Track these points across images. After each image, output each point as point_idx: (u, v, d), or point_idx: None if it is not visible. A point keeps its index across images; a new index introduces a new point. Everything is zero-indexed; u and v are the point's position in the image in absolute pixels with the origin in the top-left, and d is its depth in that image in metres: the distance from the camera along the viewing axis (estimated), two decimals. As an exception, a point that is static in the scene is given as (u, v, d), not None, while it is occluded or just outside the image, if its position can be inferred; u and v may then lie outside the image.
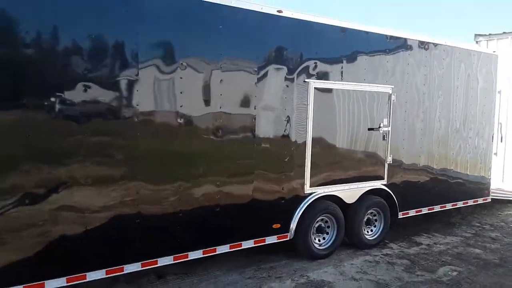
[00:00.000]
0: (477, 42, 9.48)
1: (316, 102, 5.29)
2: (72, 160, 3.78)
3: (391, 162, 6.15)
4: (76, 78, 3.77)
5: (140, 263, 4.25)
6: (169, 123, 4.30)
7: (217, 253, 4.74)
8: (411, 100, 6.33)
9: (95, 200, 3.92)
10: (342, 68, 5.49)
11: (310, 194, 5.39)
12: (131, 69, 4.01)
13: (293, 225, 5.26)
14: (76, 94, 3.77)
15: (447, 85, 6.77)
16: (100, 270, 4.00)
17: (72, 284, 3.92)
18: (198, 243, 4.60)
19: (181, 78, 4.30)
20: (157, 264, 4.37)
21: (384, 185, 6.14)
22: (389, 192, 6.18)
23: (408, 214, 6.53)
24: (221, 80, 4.55)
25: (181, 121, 4.34)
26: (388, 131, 6.07)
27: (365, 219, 6.03)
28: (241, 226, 4.90)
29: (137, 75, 4.04)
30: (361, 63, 5.69)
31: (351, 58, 5.59)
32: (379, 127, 5.96)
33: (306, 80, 5.18)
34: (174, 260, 4.47)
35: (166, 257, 4.41)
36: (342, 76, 5.49)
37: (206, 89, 4.49)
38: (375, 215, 6.18)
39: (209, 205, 4.61)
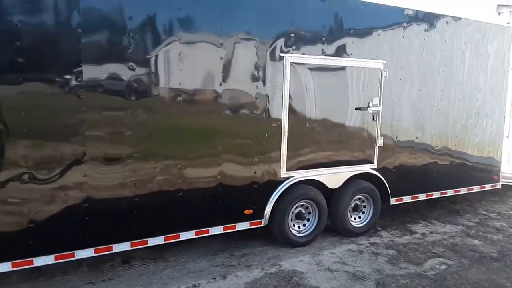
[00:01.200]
0: (499, 13, 8.69)
1: (293, 78, 4.86)
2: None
3: (381, 145, 5.68)
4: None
5: (93, 249, 4.03)
6: (118, 101, 3.99)
7: (180, 239, 4.48)
8: (407, 77, 5.78)
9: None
10: (323, 41, 5.01)
11: (287, 178, 5.02)
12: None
13: (267, 211, 4.93)
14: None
15: (450, 61, 6.16)
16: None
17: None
18: (157, 229, 4.34)
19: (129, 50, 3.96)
20: (112, 250, 4.14)
21: (374, 169, 5.69)
22: (379, 177, 5.72)
23: (402, 200, 6.07)
24: (179, 54, 4.18)
25: (133, 98, 4.03)
26: (379, 111, 5.58)
27: (351, 206, 5.62)
28: (208, 212, 4.60)
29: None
30: (346, 36, 5.18)
31: (334, 30, 5.10)
32: (368, 106, 5.47)
33: (281, 54, 4.75)
34: (132, 247, 4.23)
35: (122, 243, 4.17)
36: (323, 50, 5.02)
37: (164, 63, 4.14)
38: (363, 201, 5.76)
39: (169, 190, 4.32)
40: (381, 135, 5.65)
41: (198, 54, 4.30)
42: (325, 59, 5.02)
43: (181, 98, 4.25)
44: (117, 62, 3.92)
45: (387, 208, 6.00)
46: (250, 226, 4.87)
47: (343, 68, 5.20)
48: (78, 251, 3.98)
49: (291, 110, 4.90)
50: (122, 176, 4.06)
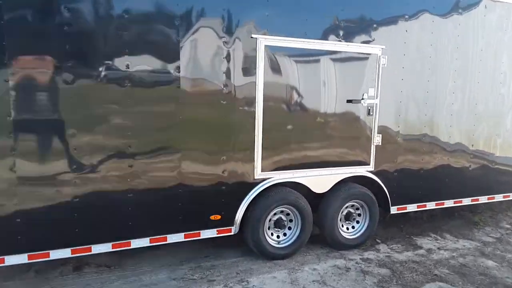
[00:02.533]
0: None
1: (268, 64, 4.20)
2: None
3: (379, 144, 4.90)
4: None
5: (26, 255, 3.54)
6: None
7: (132, 247, 3.91)
8: (411, 65, 4.97)
9: None
10: (306, 20, 4.32)
11: (262, 180, 4.36)
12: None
13: (238, 218, 4.29)
14: None
15: (466, 47, 5.29)
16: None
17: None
18: (104, 236, 3.79)
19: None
20: (48, 257, 3.63)
21: (370, 172, 4.92)
22: (376, 181, 4.95)
23: (405, 209, 5.26)
24: (125, 34, 3.62)
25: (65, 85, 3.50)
26: (375, 104, 4.81)
27: (342, 214, 4.88)
28: (166, 217, 4.01)
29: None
30: (335, 15, 4.46)
31: (320, 8, 4.39)
32: (362, 98, 4.72)
33: (253, 35, 4.10)
34: (72, 254, 3.71)
35: (61, 250, 3.65)
36: (305, 31, 4.32)
37: (106, 44, 3.59)
38: (358, 209, 4.99)
39: (117, 190, 3.76)
40: (378, 132, 4.88)
41: (149, 34, 3.74)
42: (307, 42, 4.32)
43: (129, 84, 3.68)
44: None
45: (394, 218, 5.22)
46: (217, 234, 4.24)
47: (330, 53, 4.48)
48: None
49: (266, 101, 4.24)
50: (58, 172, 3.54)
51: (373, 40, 4.68)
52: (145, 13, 3.69)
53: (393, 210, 5.15)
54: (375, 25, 4.67)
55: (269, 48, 4.16)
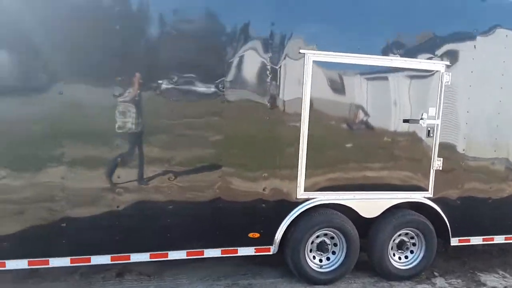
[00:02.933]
0: None
1: (316, 80, 4.03)
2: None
3: (440, 168, 4.48)
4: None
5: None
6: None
7: (169, 258, 3.93)
8: (480, 83, 4.50)
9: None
10: (359, 34, 4.09)
11: (305, 200, 4.17)
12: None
13: (277, 237, 4.14)
14: None
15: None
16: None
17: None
18: (143, 245, 3.84)
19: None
20: (89, 262, 3.75)
21: (428, 198, 4.51)
22: (435, 209, 4.52)
23: (469, 241, 4.74)
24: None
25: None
26: (436, 125, 4.41)
27: (394, 242, 4.51)
28: (203, 231, 3.98)
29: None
30: (390, 29, 4.18)
31: (374, 21, 4.13)
32: (421, 118, 4.35)
33: (301, 51, 3.96)
34: (111, 261, 3.80)
35: (102, 256, 3.76)
36: (358, 46, 4.09)
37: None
38: (412, 238, 4.59)
39: (158, 202, 3.80)
40: (439, 156, 4.46)
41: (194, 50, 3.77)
42: (360, 57, 4.09)
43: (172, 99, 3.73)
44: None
45: (457, 249, 4.74)
46: (255, 252, 4.12)
47: (385, 70, 4.20)
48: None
49: (314, 117, 4.06)
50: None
51: (436, 56, 4.31)
52: (194, 30, 3.73)
53: (454, 241, 4.66)
54: (438, 40, 4.31)
55: (317, 64, 4.00)
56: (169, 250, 3.91)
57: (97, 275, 4.31)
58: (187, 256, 3.96)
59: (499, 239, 4.85)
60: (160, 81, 3.66)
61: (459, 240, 4.69)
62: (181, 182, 3.83)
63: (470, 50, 4.41)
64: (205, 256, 4.00)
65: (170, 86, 3.69)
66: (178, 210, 3.85)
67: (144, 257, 3.86)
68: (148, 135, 3.72)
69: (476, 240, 4.78)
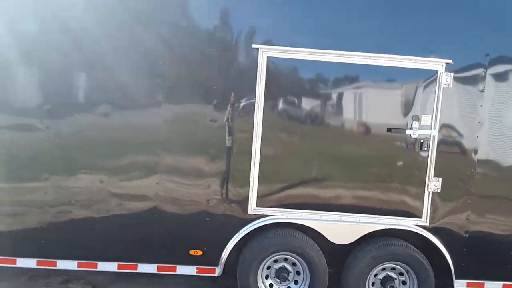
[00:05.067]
0: None
1: (273, 78, 3.44)
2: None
3: (438, 190, 3.57)
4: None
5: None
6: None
7: (98, 269, 3.56)
8: (495, 86, 3.54)
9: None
10: (322, 26, 3.44)
11: (259, 217, 3.55)
12: None
13: (224, 257, 3.56)
14: None
15: None
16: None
17: None
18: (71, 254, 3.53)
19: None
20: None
21: (423, 227, 3.62)
22: (430, 240, 3.61)
23: (483, 286, 3.72)
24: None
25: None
26: (432, 136, 3.53)
27: (376, 277, 3.67)
28: (137, 243, 3.55)
29: None
30: (370, 20, 3.46)
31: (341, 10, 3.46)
32: (410, 128, 3.52)
33: (255, 45, 3.42)
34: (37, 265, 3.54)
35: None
36: (322, 41, 3.43)
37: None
38: (402, 274, 3.70)
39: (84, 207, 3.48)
40: (437, 175, 3.56)
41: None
42: (321, 54, 3.42)
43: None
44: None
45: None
46: (197, 272, 3.60)
47: (360, 69, 3.47)
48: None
49: (267, 121, 3.47)
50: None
51: (431, 52, 3.48)
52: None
53: (460, 285, 3.69)
54: (434, 31, 3.48)
55: (273, 61, 3.41)
56: (98, 260, 3.54)
57: (44, 279, 4.08)
58: (118, 269, 3.55)
59: (526, 287, 3.74)
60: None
61: (467, 283, 3.69)
62: (113, 190, 3.46)
63: (478, 43, 3.50)
64: (138, 271, 3.56)
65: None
66: (109, 217, 3.48)
67: (72, 265, 3.53)
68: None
69: (493, 286, 3.72)
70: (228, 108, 3.44)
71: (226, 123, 3.45)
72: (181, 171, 3.48)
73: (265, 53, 3.39)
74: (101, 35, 3.35)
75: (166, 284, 4.08)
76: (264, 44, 3.40)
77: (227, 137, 3.48)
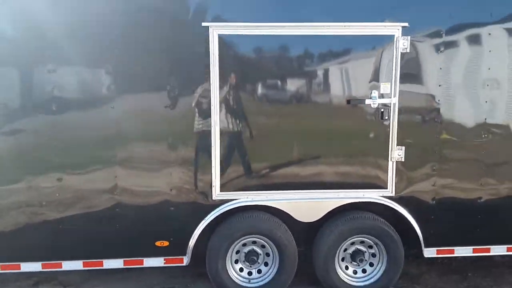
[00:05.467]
0: None
1: (225, 57, 3.31)
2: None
3: (402, 159, 3.52)
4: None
5: None
6: None
7: (63, 269, 3.48)
8: (457, 47, 3.45)
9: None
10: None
11: (223, 202, 3.48)
12: None
13: (191, 246, 3.50)
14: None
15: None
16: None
17: None
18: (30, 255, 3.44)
19: None
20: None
21: (389, 198, 3.57)
22: (398, 211, 3.58)
23: (452, 252, 3.72)
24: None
25: None
26: (393, 104, 3.45)
27: (346, 252, 3.65)
28: (102, 239, 3.46)
29: None
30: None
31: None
32: (370, 97, 3.43)
33: (204, 24, 3.26)
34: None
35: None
36: (273, 15, 3.30)
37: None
38: (371, 247, 3.68)
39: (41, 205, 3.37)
40: (400, 143, 3.50)
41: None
42: (276, 27, 3.28)
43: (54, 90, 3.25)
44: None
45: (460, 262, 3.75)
46: (165, 263, 3.53)
47: (316, 41, 3.35)
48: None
49: (224, 104, 3.35)
50: None
51: (387, 16, 3.36)
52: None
53: (429, 253, 3.68)
54: (387, -7, 3.36)
55: (225, 38, 3.27)
56: (63, 260, 3.45)
57: (14, 282, 4.00)
58: (84, 266, 3.48)
59: (499, 250, 3.76)
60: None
61: (437, 251, 3.69)
62: (68, 184, 3.34)
63: (438, 4, 3.38)
64: (104, 267, 3.48)
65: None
66: (71, 215, 3.38)
67: (35, 266, 3.45)
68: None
69: (464, 251, 3.74)
70: (184, 93, 3.31)
71: (183, 108, 3.33)
72: (141, 162, 3.37)
73: (215, 30, 3.24)
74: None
75: (141, 277, 4.03)
76: (213, 21, 3.25)
77: (185, 123, 3.36)
